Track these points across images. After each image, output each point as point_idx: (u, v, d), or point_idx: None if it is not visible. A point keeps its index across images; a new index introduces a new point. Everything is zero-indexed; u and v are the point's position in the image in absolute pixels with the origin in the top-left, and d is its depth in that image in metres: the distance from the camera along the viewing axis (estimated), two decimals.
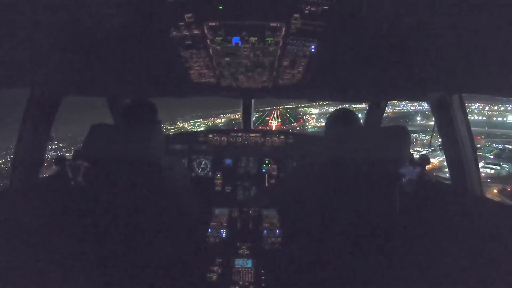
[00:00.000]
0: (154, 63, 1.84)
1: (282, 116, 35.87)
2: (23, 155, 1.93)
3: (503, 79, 1.34)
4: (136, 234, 1.57)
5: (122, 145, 1.50)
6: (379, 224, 1.55)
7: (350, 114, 1.65)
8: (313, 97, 3.05)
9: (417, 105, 29.61)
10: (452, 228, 1.59)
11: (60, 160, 1.99)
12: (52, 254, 1.54)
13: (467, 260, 1.42)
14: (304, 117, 36.35)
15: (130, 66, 1.87)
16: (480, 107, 25.60)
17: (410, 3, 1.02)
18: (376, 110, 2.99)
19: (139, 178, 1.54)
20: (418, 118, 28.43)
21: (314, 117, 35.11)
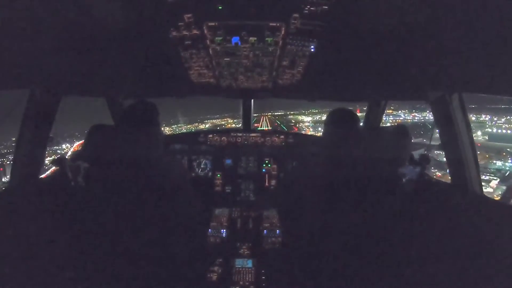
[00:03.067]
0: (153, 63, 1.84)
1: (272, 123, 34.91)
2: (23, 155, 1.93)
3: (502, 78, 1.34)
4: (136, 234, 1.56)
5: (122, 145, 1.50)
6: (379, 223, 1.55)
7: (350, 114, 1.65)
8: (313, 97, 3.05)
9: (419, 116, 28.32)
10: (452, 228, 1.58)
11: (59, 161, 1.99)
12: (51, 255, 1.54)
13: (468, 260, 1.42)
14: (298, 125, 34.97)
15: (130, 67, 1.87)
16: (495, 119, 23.49)
17: (410, 3, 1.02)
18: (376, 110, 2.99)
19: (139, 178, 1.54)
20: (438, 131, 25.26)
21: (309, 125, 33.83)
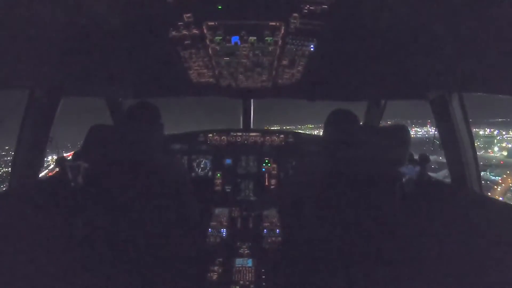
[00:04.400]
0: (153, 63, 1.84)
1: None
2: (22, 156, 1.92)
3: (502, 77, 1.34)
4: (137, 234, 1.57)
5: (122, 146, 1.50)
6: (379, 223, 1.55)
7: (349, 114, 1.66)
8: (312, 96, 3.05)
9: (422, 130, 26.91)
10: (452, 227, 1.59)
11: (59, 161, 1.99)
12: (51, 255, 1.54)
13: (468, 259, 1.42)
14: None
15: (130, 67, 1.87)
16: (504, 133, 22.45)
17: (409, 2, 1.02)
18: (375, 109, 2.99)
19: (139, 178, 1.54)
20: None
21: None
